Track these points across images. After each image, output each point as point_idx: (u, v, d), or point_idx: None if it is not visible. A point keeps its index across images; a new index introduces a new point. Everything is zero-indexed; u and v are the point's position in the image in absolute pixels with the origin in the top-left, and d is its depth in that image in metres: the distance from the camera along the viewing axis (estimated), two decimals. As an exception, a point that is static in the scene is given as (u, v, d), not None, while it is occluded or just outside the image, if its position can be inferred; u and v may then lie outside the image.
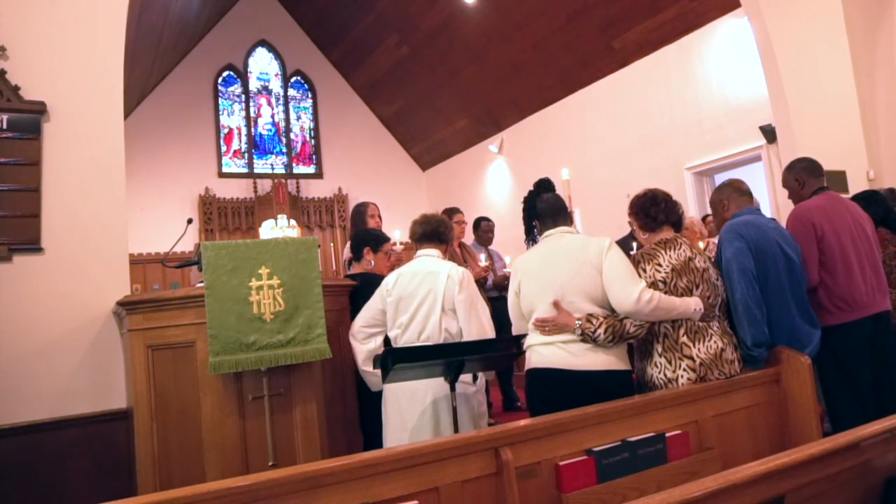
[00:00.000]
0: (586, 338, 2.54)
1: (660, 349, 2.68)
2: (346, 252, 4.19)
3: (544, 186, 2.90)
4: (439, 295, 2.80)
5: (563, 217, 2.79)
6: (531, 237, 2.94)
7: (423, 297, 2.83)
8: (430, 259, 2.94)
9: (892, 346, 3.11)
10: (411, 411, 2.78)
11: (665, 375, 2.65)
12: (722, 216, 3.14)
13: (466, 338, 2.79)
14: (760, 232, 2.88)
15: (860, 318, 3.02)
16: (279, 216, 10.42)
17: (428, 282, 2.83)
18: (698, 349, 2.64)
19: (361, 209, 4.58)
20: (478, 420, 2.83)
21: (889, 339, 3.11)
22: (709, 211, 6.84)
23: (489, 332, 2.84)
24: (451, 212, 5.17)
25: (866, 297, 3.04)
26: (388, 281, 2.97)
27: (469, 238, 5.61)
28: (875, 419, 1.92)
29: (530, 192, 2.92)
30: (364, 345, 3.00)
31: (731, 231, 2.89)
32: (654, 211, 2.82)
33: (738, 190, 3.09)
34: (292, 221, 10.70)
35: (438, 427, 2.73)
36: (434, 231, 3.00)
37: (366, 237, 3.68)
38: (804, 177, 3.29)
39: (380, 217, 4.63)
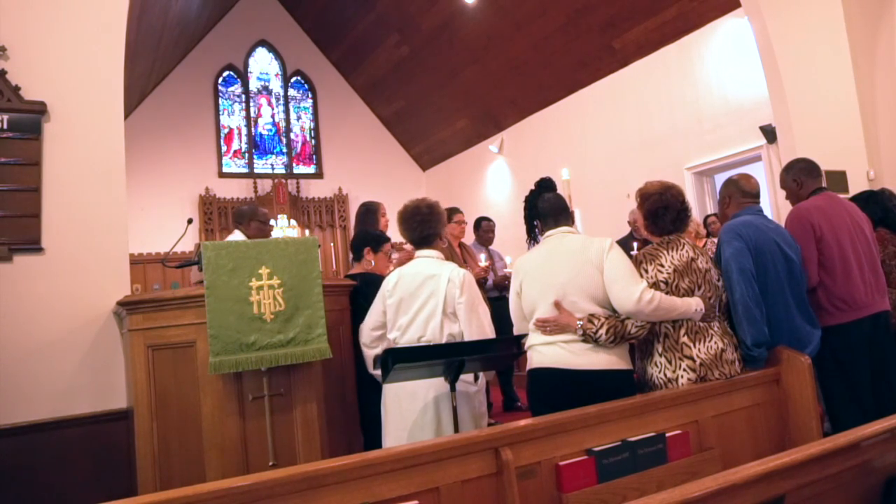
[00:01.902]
0: (588, 338, 2.54)
1: (660, 349, 2.68)
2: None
3: (546, 186, 2.88)
4: (440, 299, 2.78)
5: (565, 217, 2.79)
6: (532, 237, 2.93)
7: (425, 301, 2.81)
8: (430, 260, 2.91)
9: (891, 346, 3.11)
10: (412, 411, 2.78)
11: (665, 375, 2.65)
12: (722, 211, 3.18)
13: (467, 339, 2.78)
14: (759, 232, 2.88)
15: (859, 318, 3.02)
16: (279, 216, 10.43)
17: (429, 285, 2.81)
18: (699, 349, 2.64)
19: (373, 208, 4.45)
20: (478, 420, 2.83)
21: (888, 339, 3.11)
22: (709, 211, 6.87)
23: (489, 335, 2.83)
24: (452, 212, 5.16)
25: (865, 297, 3.04)
26: (390, 281, 2.95)
27: (469, 238, 5.61)
28: (875, 419, 1.92)
29: (532, 192, 2.90)
30: (373, 350, 2.98)
31: (730, 231, 2.90)
32: (663, 220, 2.78)
33: (741, 190, 3.08)
34: (292, 221, 10.72)
35: (440, 427, 2.73)
36: (428, 236, 2.93)
37: (366, 237, 3.67)
38: (802, 177, 3.29)
39: (386, 216, 4.62)
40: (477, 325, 2.78)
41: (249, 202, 10.83)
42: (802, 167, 3.32)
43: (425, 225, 2.91)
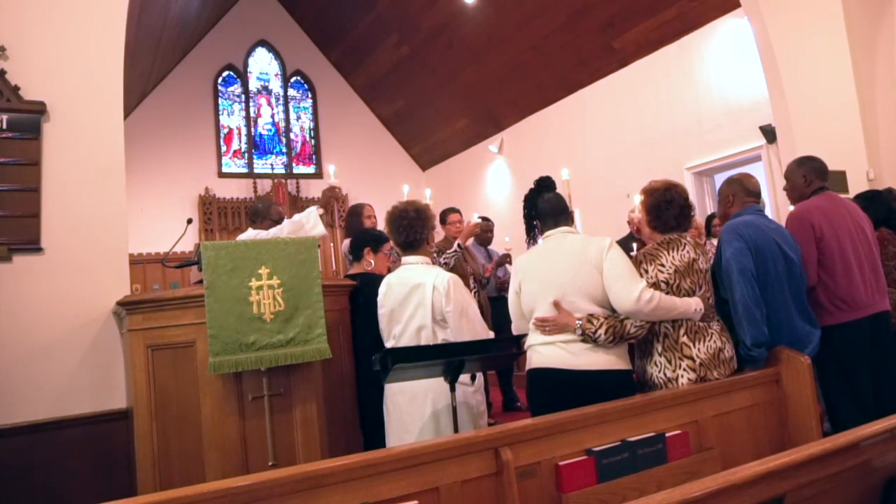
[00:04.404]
0: (587, 338, 2.54)
1: (660, 349, 2.68)
2: (345, 246, 4.19)
3: (545, 185, 2.86)
4: (428, 308, 2.77)
5: (565, 217, 2.78)
6: (532, 236, 2.92)
7: (414, 311, 2.81)
8: (416, 267, 2.90)
9: (892, 346, 3.11)
10: (411, 412, 2.78)
11: (665, 375, 2.65)
12: (724, 210, 3.15)
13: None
14: (760, 232, 2.88)
15: (860, 317, 3.02)
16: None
17: (416, 295, 2.80)
18: (698, 349, 2.64)
19: (358, 210, 4.58)
20: (477, 419, 2.83)
21: (888, 339, 3.11)
22: (710, 211, 6.86)
23: (482, 335, 2.82)
24: (447, 212, 5.20)
25: (866, 296, 3.04)
26: (381, 291, 2.96)
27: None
28: (875, 419, 1.92)
29: (531, 191, 2.89)
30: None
31: (731, 231, 2.89)
32: (666, 215, 2.77)
33: (745, 188, 3.07)
34: (292, 221, 10.67)
35: (439, 427, 2.73)
36: (415, 241, 2.91)
37: (366, 237, 3.67)
38: (812, 176, 3.29)
39: (375, 218, 4.62)
40: (469, 329, 2.76)
41: (249, 202, 10.82)
42: (816, 167, 3.31)
43: (411, 230, 2.89)
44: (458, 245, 4.63)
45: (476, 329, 2.79)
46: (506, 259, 5.51)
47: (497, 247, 5.92)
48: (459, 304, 2.78)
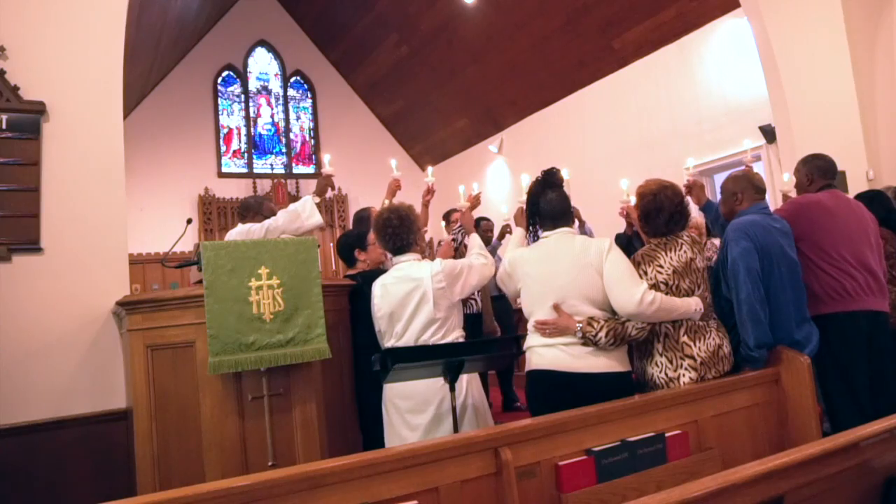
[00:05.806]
0: (587, 341, 2.53)
1: (660, 349, 2.68)
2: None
3: (551, 182, 2.82)
4: (430, 302, 2.78)
5: (565, 219, 2.76)
6: (533, 232, 2.89)
7: (415, 309, 2.80)
8: (406, 265, 2.91)
9: (890, 347, 3.10)
10: (412, 412, 2.77)
11: (666, 375, 2.64)
12: (731, 207, 3.11)
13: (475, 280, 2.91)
14: (766, 233, 2.87)
15: (854, 310, 3.00)
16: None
17: (415, 295, 2.80)
18: (699, 348, 2.64)
19: (365, 215, 4.49)
20: (479, 419, 2.82)
21: (886, 340, 3.10)
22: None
23: (481, 249, 3.03)
24: (451, 212, 5.20)
25: (863, 291, 3.03)
26: (375, 294, 2.94)
27: (468, 238, 5.62)
28: (872, 419, 1.92)
29: (537, 183, 2.84)
30: None
31: (738, 231, 2.88)
32: (656, 222, 2.77)
33: (752, 185, 3.06)
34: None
35: (440, 426, 2.73)
36: (403, 246, 2.93)
37: (350, 242, 3.63)
38: (815, 175, 3.31)
39: None
40: (474, 272, 2.90)
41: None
42: (820, 165, 3.32)
43: (397, 237, 2.92)
44: None
45: (474, 268, 2.91)
46: (507, 229, 5.52)
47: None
48: (457, 276, 2.85)
